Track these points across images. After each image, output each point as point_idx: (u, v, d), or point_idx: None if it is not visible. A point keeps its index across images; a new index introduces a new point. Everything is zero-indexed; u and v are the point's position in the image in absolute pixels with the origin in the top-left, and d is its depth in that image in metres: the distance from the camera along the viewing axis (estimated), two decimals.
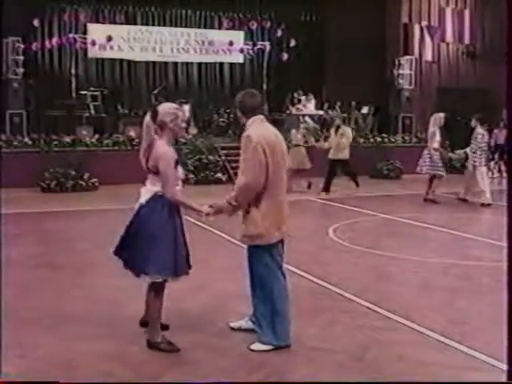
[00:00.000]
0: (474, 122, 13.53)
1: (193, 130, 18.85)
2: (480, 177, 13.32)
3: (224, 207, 5.09)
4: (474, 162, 13.32)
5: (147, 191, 4.99)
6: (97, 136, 17.19)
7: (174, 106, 5.11)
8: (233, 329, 5.50)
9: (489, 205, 13.11)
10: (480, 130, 13.40)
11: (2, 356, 4.45)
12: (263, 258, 5.09)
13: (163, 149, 4.89)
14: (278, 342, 5.09)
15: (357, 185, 15.17)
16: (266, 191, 4.95)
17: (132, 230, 5.03)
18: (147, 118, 4.99)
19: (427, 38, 23.13)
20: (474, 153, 13.34)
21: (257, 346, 5.11)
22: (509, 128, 13.78)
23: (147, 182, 5.04)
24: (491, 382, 4.32)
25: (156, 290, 5.01)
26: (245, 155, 4.88)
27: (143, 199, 4.98)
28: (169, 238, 4.91)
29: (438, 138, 13.53)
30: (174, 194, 4.91)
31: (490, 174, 18.35)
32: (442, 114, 13.77)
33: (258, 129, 5.00)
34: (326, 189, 14.82)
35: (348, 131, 15.26)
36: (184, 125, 5.12)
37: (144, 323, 5.29)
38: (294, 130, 15.88)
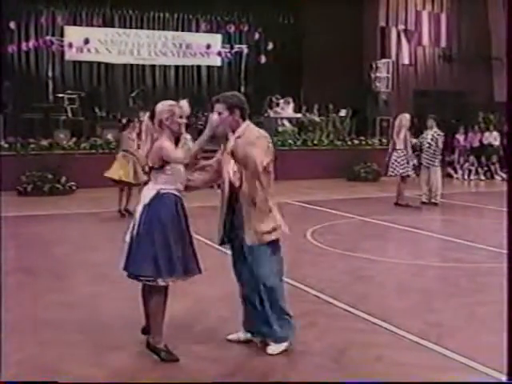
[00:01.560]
0: (430, 122, 13.65)
1: None
2: (437, 176, 13.51)
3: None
4: (434, 162, 13.48)
5: (150, 191, 4.94)
6: (74, 139, 17.07)
7: (170, 102, 5.05)
8: (230, 341, 5.34)
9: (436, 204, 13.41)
10: (438, 130, 13.57)
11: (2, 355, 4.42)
12: (276, 254, 5.17)
13: (164, 143, 4.86)
14: (292, 336, 5.18)
15: None
16: (269, 189, 5.05)
17: (136, 232, 4.90)
18: (146, 119, 5.00)
19: (404, 42, 23.28)
20: (434, 152, 13.50)
21: (274, 348, 5.10)
22: (509, 130, 13.93)
23: (150, 182, 5.01)
24: (491, 382, 4.35)
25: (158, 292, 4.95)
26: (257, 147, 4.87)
27: (147, 199, 4.91)
28: (171, 237, 4.85)
29: (401, 137, 13.55)
30: (187, 156, 4.85)
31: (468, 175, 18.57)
32: (407, 115, 13.76)
33: (260, 131, 5.07)
34: None
35: None
36: (182, 120, 4.99)
37: (146, 331, 5.16)
38: None
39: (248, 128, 5.03)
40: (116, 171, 11.50)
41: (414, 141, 13.93)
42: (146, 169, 5.05)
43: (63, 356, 5.01)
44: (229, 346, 5.21)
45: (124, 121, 12.72)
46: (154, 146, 4.89)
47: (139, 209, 4.95)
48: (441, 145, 13.59)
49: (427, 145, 13.61)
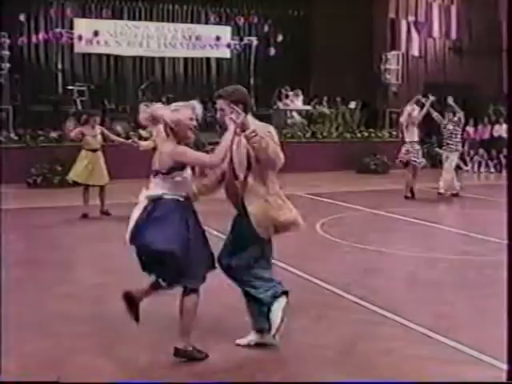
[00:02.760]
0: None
1: None
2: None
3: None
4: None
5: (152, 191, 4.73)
6: None
7: (181, 104, 4.86)
8: (239, 345, 5.14)
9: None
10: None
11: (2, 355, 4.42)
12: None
13: (182, 147, 4.68)
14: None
15: None
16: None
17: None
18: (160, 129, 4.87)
19: (414, 33, 23.15)
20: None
21: (277, 305, 4.91)
22: (509, 127, 13.88)
23: (149, 187, 4.78)
24: (491, 382, 4.32)
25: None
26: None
27: (146, 201, 4.70)
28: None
29: (404, 131, 13.58)
30: (216, 160, 4.70)
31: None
32: (415, 111, 13.71)
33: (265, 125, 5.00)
34: None
35: None
36: (193, 123, 4.77)
37: (128, 294, 4.94)
38: None
39: (254, 122, 4.94)
40: (80, 174, 11.25)
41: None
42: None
43: (72, 348, 5.00)
44: (237, 336, 5.19)
45: (84, 116, 11.89)
46: (169, 150, 4.66)
47: (137, 213, 4.70)
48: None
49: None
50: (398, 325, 5.63)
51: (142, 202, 4.72)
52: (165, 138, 4.78)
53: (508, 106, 12.30)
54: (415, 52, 23.17)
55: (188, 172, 4.78)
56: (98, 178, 11.12)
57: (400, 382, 4.40)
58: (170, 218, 4.61)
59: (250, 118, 4.85)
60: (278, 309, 4.85)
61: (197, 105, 4.88)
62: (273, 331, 4.84)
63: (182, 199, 4.71)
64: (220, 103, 4.93)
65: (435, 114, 13.73)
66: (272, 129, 4.96)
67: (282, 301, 4.90)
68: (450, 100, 13.55)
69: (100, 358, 4.82)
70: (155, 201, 4.67)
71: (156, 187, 4.71)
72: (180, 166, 4.67)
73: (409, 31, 23.06)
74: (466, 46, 23.73)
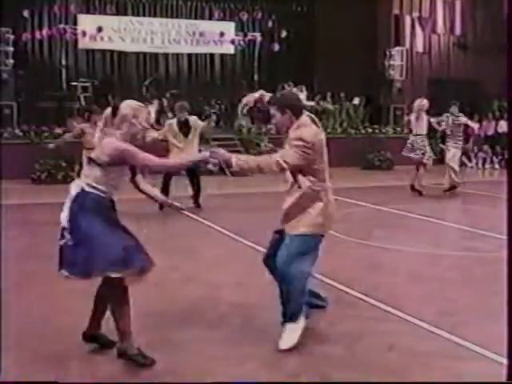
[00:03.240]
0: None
1: None
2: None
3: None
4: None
5: (77, 186, 4.68)
6: None
7: (138, 103, 4.86)
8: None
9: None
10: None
11: (2, 355, 4.44)
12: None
13: (128, 145, 4.60)
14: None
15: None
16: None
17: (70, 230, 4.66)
18: (108, 112, 4.79)
19: (418, 29, 23.12)
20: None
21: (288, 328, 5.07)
22: (509, 123, 13.88)
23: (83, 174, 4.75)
24: (491, 382, 4.33)
25: (119, 292, 4.63)
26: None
27: (72, 193, 4.65)
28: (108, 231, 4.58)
29: (413, 123, 13.50)
30: (160, 164, 4.87)
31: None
32: (424, 100, 13.61)
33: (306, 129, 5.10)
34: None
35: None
36: (145, 125, 4.77)
37: (88, 336, 4.92)
38: None
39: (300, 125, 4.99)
40: None
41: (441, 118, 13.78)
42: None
43: (80, 344, 5.00)
44: (243, 331, 5.21)
45: (87, 113, 11.79)
46: (109, 142, 4.58)
47: (67, 205, 4.68)
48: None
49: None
50: (402, 321, 5.64)
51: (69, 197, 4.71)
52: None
53: (508, 105, 12.38)
54: (419, 48, 23.15)
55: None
56: None
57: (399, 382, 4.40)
58: None
59: (300, 120, 4.98)
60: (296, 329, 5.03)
61: (152, 110, 4.96)
62: (281, 346, 4.96)
63: (104, 195, 4.66)
64: (272, 110, 5.09)
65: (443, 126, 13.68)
66: (308, 132, 4.96)
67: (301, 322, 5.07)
68: (455, 110, 13.48)
69: (109, 354, 4.83)
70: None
71: (84, 176, 4.72)
72: None
73: (413, 27, 23.05)
74: (470, 41, 23.69)
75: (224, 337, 5.20)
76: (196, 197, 11.53)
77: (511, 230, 4.18)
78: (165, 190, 10.77)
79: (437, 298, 6.38)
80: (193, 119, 11.53)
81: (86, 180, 4.62)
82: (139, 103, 4.88)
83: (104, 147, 4.57)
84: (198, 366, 4.69)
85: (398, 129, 20.67)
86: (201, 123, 11.62)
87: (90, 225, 4.53)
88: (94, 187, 4.58)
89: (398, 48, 22.09)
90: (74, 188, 4.67)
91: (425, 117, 13.28)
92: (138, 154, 4.56)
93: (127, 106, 4.76)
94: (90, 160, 4.64)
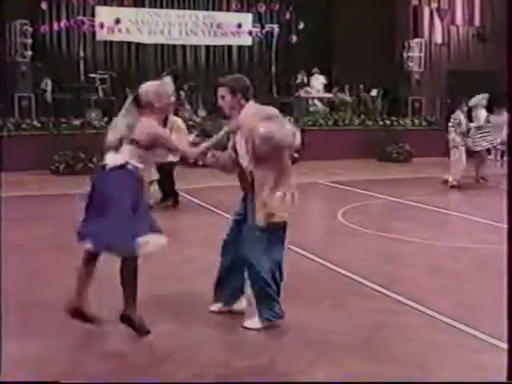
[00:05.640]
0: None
1: (201, 113, 18.87)
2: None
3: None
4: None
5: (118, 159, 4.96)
6: (106, 119, 17.20)
7: (155, 84, 5.10)
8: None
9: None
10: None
11: (2, 354, 4.51)
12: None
13: (159, 129, 5.04)
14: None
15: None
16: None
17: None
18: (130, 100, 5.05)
19: (437, 21, 22.96)
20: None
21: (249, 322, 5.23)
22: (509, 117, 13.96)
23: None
24: (491, 382, 4.35)
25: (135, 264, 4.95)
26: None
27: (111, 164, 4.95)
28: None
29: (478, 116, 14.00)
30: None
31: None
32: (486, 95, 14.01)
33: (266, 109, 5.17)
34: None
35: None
36: (172, 99, 5.10)
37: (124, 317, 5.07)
38: None
39: (251, 106, 5.05)
40: None
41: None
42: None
43: (98, 333, 5.07)
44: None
45: None
46: (146, 125, 4.91)
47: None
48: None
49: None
50: (418, 313, 5.66)
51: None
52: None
53: (508, 104, 12.43)
54: (438, 39, 22.99)
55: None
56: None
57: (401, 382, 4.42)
58: None
59: (251, 103, 5.06)
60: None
61: (169, 80, 5.14)
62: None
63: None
64: (220, 90, 5.10)
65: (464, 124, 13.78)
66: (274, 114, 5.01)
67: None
68: (483, 115, 13.80)
69: (125, 344, 4.89)
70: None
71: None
72: None
73: (431, 18, 22.89)
74: (489, 33, 23.50)
75: (230, 325, 5.27)
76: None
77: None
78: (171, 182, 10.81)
79: (454, 290, 6.39)
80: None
81: (126, 158, 4.88)
82: (155, 82, 5.12)
83: (141, 128, 4.87)
84: (215, 357, 4.74)
85: (417, 121, 20.59)
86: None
87: (123, 200, 4.78)
88: (134, 165, 4.88)
89: (416, 39, 21.94)
90: (115, 159, 4.94)
91: (483, 110, 13.54)
92: (169, 141, 4.99)
93: (147, 92, 4.97)
94: (132, 140, 4.88)
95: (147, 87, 5.01)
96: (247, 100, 5.06)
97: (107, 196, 4.81)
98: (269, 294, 5.09)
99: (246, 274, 5.22)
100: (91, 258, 5.00)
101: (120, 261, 4.93)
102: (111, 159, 4.94)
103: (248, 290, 5.35)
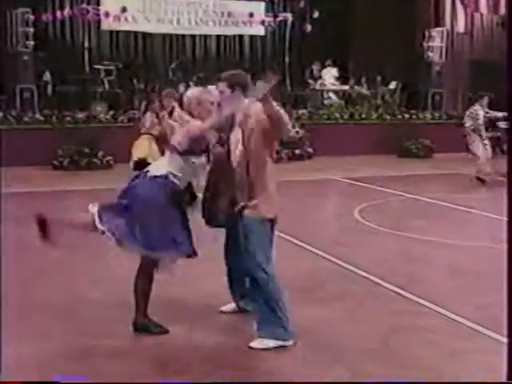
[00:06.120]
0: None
1: None
2: None
3: None
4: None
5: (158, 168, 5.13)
6: (111, 112, 17.29)
7: (200, 89, 5.31)
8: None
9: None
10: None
11: (2, 354, 4.59)
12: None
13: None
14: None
15: None
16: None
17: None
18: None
19: (460, 8, 22.87)
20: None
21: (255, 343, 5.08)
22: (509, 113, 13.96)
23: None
24: (492, 382, 4.39)
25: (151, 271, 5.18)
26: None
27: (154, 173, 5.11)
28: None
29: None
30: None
31: None
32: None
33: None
34: None
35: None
36: (210, 107, 5.16)
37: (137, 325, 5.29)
38: None
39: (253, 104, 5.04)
40: None
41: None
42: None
43: (103, 338, 5.14)
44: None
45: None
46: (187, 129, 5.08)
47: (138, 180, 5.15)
48: None
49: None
50: (438, 315, 5.70)
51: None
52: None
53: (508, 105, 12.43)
54: (460, 28, 22.90)
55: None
56: None
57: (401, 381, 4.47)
58: None
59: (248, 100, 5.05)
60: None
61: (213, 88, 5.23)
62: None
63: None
64: (219, 86, 5.18)
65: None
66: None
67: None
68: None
69: (136, 341, 4.97)
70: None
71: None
72: None
73: (454, 6, 22.78)
74: None
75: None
76: None
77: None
78: None
79: (475, 291, 6.43)
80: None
81: (168, 168, 5.05)
82: (200, 89, 5.33)
83: (180, 133, 5.09)
84: (225, 359, 4.81)
85: (437, 115, 20.55)
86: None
87: (160, 211, 4.97)
88: (174, 175, 5.04)
89: (437, 28, 21.85)
90: (156, 169, 5.11)
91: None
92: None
93: (189, 98, 5.19)
94: (172, 148, 5.07)
95: (191, 95, 5.21)
96: (245, 96, 5.10)
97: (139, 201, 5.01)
98: (273, 309, 5.00)
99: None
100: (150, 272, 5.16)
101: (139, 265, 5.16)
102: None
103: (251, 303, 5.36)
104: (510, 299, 3.79)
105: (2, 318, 4.88)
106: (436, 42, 21.47)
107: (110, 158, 15.57)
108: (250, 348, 4.93)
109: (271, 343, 4.94)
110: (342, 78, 21.13)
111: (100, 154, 15.57)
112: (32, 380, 4.26)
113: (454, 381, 4.41)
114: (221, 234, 5.52)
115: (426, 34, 21.61)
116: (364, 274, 6.92)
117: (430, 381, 4.44)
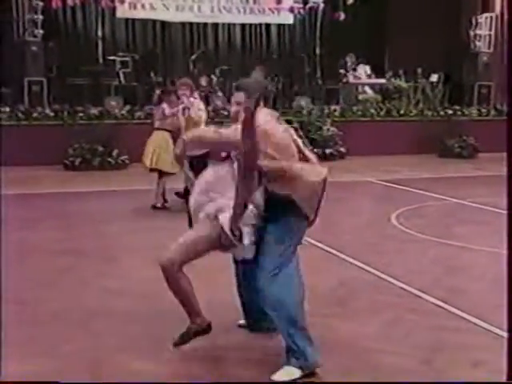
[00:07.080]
0: None
1: None
2: None
3: None
4: None
5: None
6: (127, 107, 17.33)
7: None
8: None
9: None
10: None
11: (2, 355, 4.57)
12: None
13: None
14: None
15: None
16: None
17: None
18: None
19: None
20: None
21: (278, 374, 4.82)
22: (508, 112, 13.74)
23: None
24: (492, 382, 4.31)
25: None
26: None
27: None
28: None
29: None
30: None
31: None
32: None
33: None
34: None
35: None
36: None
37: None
38: None
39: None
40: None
41: None
42: None
43: (118, 348, 5.14)
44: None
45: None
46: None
47: None
48: None
49: None
50: (485, 332, 5.62)
51: None
52: None
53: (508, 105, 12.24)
54: None
55: None
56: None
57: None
58: None
59: (264, 110, 4.95)
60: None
61: None
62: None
63: None
64: (236, 96, 5.06)
65: None
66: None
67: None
68: None
69: (145, 361, 4.95)
70: None
71: None
72: None
73: None
74: None
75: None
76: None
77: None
78: None
79: None
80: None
81: None
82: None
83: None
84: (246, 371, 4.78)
85: (484, 110, 20.38)
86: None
87: None
88: None
89: (485, 14, 21.63)
90: None
91: None
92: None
93: None
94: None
95: None
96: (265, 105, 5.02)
97: None
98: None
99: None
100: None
101: None
102: None
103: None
104: (511, 302, 3.75)
105: (2, 318, 4.88)
106: (483, 30, 21.29)
107: (125, 157, 15.61)
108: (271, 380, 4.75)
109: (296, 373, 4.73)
110: (378, 70, 20.99)
111: (114, 152, 15.61)
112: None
113: None
114: None
115: (473, 20, 21.43)
116: (402, 285, 6.86)
117: None
